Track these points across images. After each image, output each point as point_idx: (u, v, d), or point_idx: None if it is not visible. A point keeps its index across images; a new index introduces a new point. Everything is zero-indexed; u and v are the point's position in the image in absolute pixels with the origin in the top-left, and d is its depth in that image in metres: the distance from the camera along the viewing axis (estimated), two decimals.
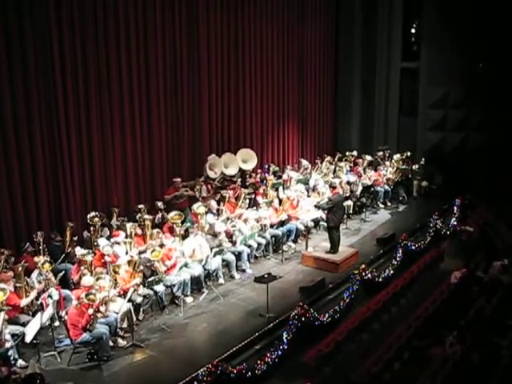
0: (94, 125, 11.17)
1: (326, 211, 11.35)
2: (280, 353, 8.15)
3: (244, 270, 10.83)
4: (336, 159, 16.28)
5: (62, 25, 10.37)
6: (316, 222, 12.79)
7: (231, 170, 13.83)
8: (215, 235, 10.63)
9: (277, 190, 13.41)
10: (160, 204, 11.56)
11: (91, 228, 10.42)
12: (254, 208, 12.44)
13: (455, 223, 13.87)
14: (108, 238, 10.07)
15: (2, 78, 9.56)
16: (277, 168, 15.20)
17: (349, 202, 13.59)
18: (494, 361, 7.46)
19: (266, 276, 9.29)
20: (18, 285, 8.42)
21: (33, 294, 8.36)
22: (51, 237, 10.07)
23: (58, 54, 10.35)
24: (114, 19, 11.31)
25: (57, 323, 8.60)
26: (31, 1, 9.81)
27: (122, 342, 8.32)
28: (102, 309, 8.08)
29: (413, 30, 18.62)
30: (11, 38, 9.63)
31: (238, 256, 10.80)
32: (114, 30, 11.33)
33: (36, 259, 8.98)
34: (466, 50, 16.67)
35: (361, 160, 15.99)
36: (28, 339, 7.59)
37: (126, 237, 10.11)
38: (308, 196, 13.28)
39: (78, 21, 10.61)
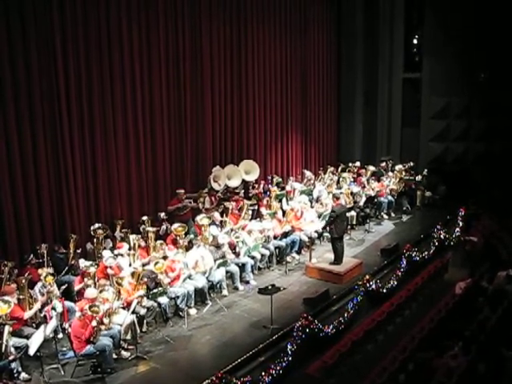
0: (97, 137, 11.20)
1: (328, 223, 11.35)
2: (284, 364, 8.09)
3: (248, 282, 10.81)
4: (339, 170, 16.30)
5: (67, 46, 10.42)
6: (320, 233, 12.77)
7: (234, 182, 13.84)
8: (218, 247, 10.63)
9: (280, 201, 13.42)
10: (163, 215, 11.58)
11: (94, 240, 10.45)
12: (258, 219, 12.44)
13: (459, 233, 13.84)
14: (111, 250, 10.09)
15: (5, 85, 9.54)
16: (280, 179, 15.22)
17: (352, 213, 13.58)
18: (500, 372, 7.39)
19: (269, 287, 9.28)
20: (21, 297, 8.41)
21: (36, 306, 8.34)
22: (55, 249, 10.06)
23: (62, 69, 10.39)
24: (118, 31, 11.35)
25: (60, 335, 8.58)
26: (34, 4, 9.83)
27: (125, 354, 8.29)
28: (106, 321, 8.06)
29: (415, 41, 18.71)
30: (14, 42, 9.61)
31: (242, 267, 10.79)
32: (117, 42, 11.37)
33: (40, 271, 8.97)
34: (467, 59, 16.72)
35: (364, 171, 16.01)
36: (31, 352, 7.56)
37: (130, 249, 10.12)
38: (312, 207, 13.27)
39: (82, 32, 10.64)
